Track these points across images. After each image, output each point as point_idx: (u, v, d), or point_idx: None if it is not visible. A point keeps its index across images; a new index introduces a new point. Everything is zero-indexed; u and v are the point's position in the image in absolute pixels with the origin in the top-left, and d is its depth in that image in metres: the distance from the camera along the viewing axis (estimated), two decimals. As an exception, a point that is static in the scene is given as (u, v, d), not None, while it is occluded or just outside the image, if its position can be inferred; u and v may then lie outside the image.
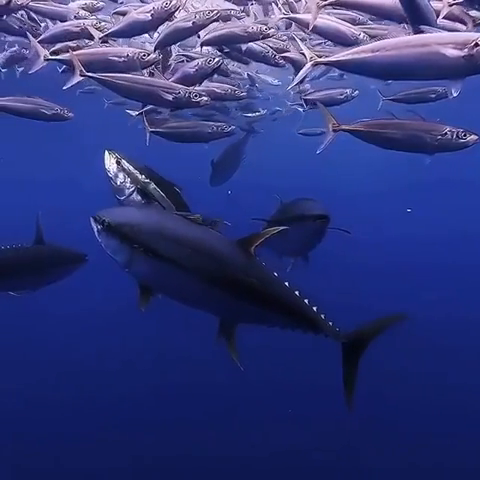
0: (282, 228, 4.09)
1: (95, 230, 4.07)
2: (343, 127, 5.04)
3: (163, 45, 5.95)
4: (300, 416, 9.10)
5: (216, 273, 3.89)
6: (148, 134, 5.94)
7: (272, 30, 6.17)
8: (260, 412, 9.19)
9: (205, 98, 5.54)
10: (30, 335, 11.05)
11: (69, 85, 5.29)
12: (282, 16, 6.27)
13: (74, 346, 10.95)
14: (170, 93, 5.38)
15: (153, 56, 5.35)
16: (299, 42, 5.09)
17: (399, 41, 4.32)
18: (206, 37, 6.29)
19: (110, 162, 4.77)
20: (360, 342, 4.03)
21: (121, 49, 5.51)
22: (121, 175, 4.80)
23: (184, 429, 8.81)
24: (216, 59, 6.08)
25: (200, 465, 8.33)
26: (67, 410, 9.16)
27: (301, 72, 4.84)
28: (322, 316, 4.03)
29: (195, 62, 6.04)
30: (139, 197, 4.81)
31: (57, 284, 6.10)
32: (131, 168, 4.78)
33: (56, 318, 11.43)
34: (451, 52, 4.04)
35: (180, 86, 5.48)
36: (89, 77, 5.28)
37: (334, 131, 5.02)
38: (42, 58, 5.58)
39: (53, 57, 5.62)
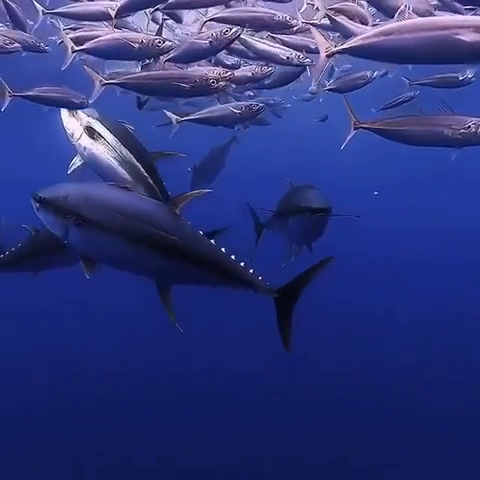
0: (206, 191, 4.20)
1: (35, 208, 4.33)
2: (363, 125, 4.99)
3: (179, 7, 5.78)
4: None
5: (140, 233, 4.06)
6: (176, 125, 5.89)
7: (295, 21, 5.96)
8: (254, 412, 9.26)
9: (222, 83, 5.41)
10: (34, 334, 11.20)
11: (94, 98, 5.29)
12: (330, 7, 5.99)
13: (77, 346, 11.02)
14: (187, 83, 5.30)
15: (169, 44, 5.22)
16: (314, 31, 4.86)
17: (415, 23, 4.16)
18: (226, 14, 5.96)
19: (64, 114, 5.06)
20: (292, 294, 4.13)
21: (135, 35, 5.39)
22: (72, 121, 5.13)
23: (182, 432, 8.86)
24: (234, 29, 5.57)
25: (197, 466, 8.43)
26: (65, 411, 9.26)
27: (318, 65, 4.68)
28: (251, 271, 4.13)
29: (209, 33, 5.64)
30: (88, 138, 5.10)
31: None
32: (80, 113, 5.06)
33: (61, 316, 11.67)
34: (471, 36, 3.89)
35: (196, 74, 5.39)
36: (110, 84, 5.29)
37: (355, 129, 5.00)
38: (70, 51, 5.48)
39: (80, 48, 5.49)
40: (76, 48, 5.50)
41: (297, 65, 6.68)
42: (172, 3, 5.69)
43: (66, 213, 4.14)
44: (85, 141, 5.15)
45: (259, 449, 8.63)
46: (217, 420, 9.02)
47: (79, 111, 5.05)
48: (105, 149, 5.09)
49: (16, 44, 5.35)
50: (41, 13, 6.19)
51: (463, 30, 3.92)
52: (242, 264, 4.16)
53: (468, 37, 3.89)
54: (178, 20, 6.51)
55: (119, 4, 5.60)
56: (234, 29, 5.55)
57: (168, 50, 5.29)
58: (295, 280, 4.16)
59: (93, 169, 5.26)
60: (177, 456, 8.59)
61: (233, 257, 4.16)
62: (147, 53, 5.32)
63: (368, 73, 7.91)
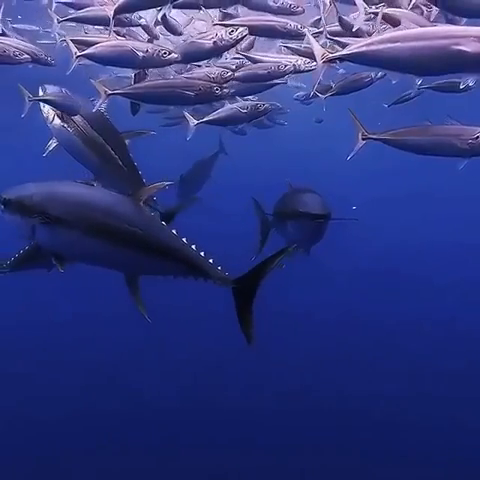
0: (168, 183, 4.36)
1: None
2: (371, 136, 5.01)
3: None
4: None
5: (105, 226, 4.19)
6: (193, 127, 5.89)
7: (305, 30, 5.74)
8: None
9: (226, 90, 5.47)
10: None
11: (97, 107, 5.32)
12: (373, 10, 5.57)
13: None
14: (191, 90, 5.32)
15: (175, 56, 5.14)
16: (310, 38, 4.69)
17: (420, 32, 4.14)
18: (238, 22, 5.66)
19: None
20: (250, 285, 4.16)
21: (141, 44, 5.34)
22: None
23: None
24: (240, 29, 5.37)
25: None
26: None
27: (315, 72, 4.58)
28: (210, 261, 4.24)
29: (213, 33, 5.43)
30: (59, 120, 5.39)
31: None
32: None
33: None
34: (475, 46, 3.86)
35: (199, 82, 5.40)
36: (114, 95, 5.33)
37: (363, 140, 5.02)
38: (74, 56, 5.43)
39: (83, 53, 5.42)
40: (79, 53, 5.43)
41: (305, 71, 6.51)
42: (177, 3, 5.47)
43: (32, 212, 4.21)
44: (57, 123, 5.40)
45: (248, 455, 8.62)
46: (210, 430, 8.97)
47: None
48: (74, 131, 5.33)
49: (25, 55, 5.28)
50: (56, 21, 6.02)
51: (466, 40, 3.88)
52: (202, 254, 4.27)
53: (472, 46, 3.86)
54: (175, 33, 6.36)
55: (117, 4, 5.41)
56: (240, 29, 5.37)
57: (174, 62, 5.23)
58: (252, 270, 4.19)
59: (66, 150, 5.51)
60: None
61: (194, 247, 4.28)
62: (151, 63, 5.25)
63: (372, 73, 7.85)
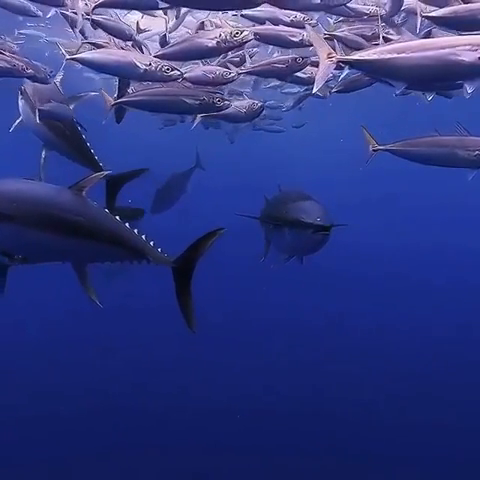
0: (107, 173, 4.62)
1: None
2: (381, 147, 5.13)
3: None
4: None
5: (48, 218, 4.24)
6: (198, 119, 6.11)
7: (307, 25, 5.51)
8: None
9: (227, 102, 5.50)
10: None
11: (105, 119, 5.44)
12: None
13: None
14: (195, 99, 5.37)
15: (178, 73, 5.07)
16: (312, 35, 4.39)
17: (429, 43, 4.10)
18: (254, 31, 5.58)
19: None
20: (188, 264, 4.38)
21: (143, 56, 5.26)
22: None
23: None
24: (245, 32, 5.15)
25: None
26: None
27: (320, 72, 4.24)
28: (151, 243, 4.42)
29: (216, 33, 5.21)
30: (21, 97, 5.68)
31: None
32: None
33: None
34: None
35: (203, 91, 5.40)
36: (119, 104, 5.41)
37: (374, 151, 5.16)
38: (65, 59, 5.33)
39: (72, 56, 5.31)
40: (68, 57, 5.31)
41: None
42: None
43: None
44: (20, 100, 5.70)
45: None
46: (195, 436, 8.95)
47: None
48: (27, 103, 5.57)
49: (30, 70, 5.22)
50: (81, 17, 5.77)
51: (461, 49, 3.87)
52: (143, 237, 4.42)
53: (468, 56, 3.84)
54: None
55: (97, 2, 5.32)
56: (245, 32, 5.18)
57: (176, 78, 5.15)
58: (189, 250, 4.37)
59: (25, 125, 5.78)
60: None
61: (136, 231, 4.43)
62: (151, 77, 5.14)
63: None
